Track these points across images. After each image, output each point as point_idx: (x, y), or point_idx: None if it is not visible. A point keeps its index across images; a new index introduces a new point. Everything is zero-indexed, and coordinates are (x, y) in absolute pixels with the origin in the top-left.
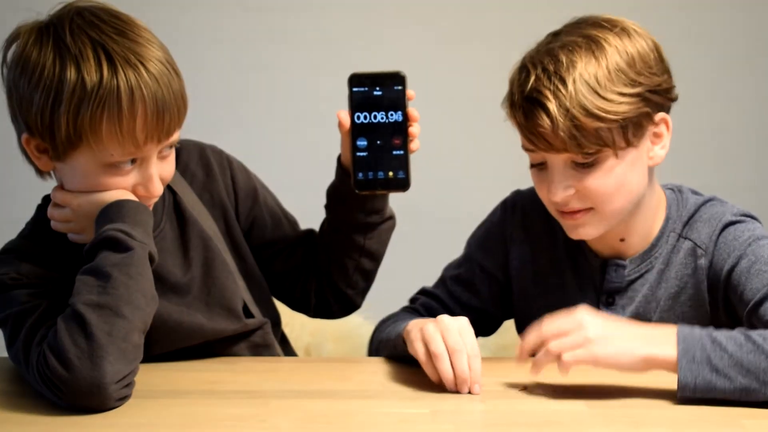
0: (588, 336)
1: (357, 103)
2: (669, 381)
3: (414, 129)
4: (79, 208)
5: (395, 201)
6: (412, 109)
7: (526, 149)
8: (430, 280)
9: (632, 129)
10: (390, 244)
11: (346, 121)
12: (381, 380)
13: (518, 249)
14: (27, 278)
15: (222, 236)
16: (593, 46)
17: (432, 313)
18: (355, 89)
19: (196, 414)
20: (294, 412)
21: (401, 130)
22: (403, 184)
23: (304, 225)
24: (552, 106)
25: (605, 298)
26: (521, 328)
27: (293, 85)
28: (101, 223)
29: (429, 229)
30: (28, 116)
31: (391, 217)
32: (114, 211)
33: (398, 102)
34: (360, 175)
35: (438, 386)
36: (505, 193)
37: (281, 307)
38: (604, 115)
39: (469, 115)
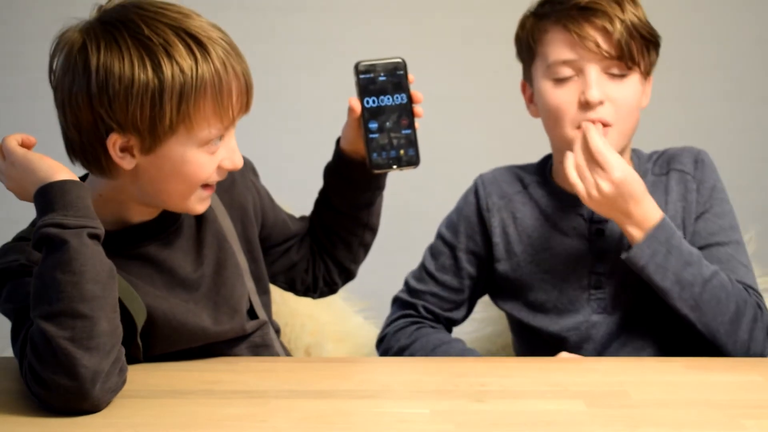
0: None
1: (365, 89)
2: (668, 381)
3: (418, 109)
4: (12, 168)
5: (395, 202)
6: (415, 91)
7: (561, 61)
8: None
9: (652, 59)
10: (391, 244)
11: (357, 107)
12: (381, 380)
13: (497, 215)
14: (36, 265)
15: (238, 237)
16: None
17: (435, 315)
18: (361, 76)
19: (196, 414)
20: (294, 412)
21: (407, 110)
22: (414, 161)
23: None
24: (611, 14)
25: (595, 229)
26: (505, 287)
27: (293, 84)
28: (37, 212)
29: (429, 229)
30: (123, 115)
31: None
32: (42, 199)
33: (402, 85)
34: (375, 155)
35: (438, 386)
36: None
37: (282, 308)
38: (644, 33)
39: (469, 115)
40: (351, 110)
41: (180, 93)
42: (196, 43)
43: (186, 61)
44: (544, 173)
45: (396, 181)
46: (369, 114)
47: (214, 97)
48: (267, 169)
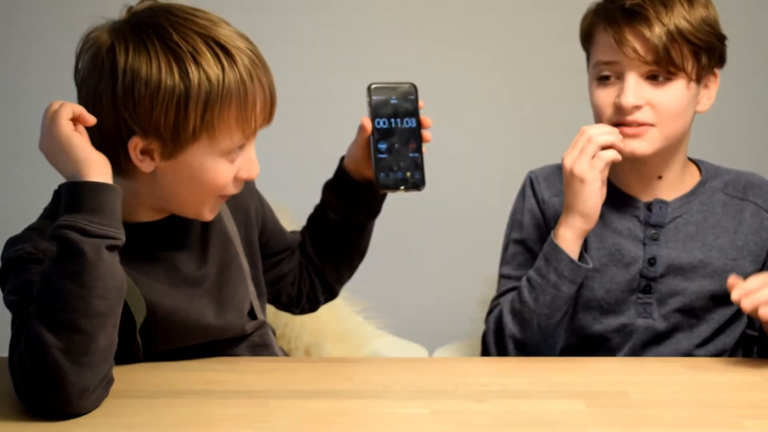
0: None
1: (376, 110)
2: (668, 381)
3: (426, 134)
4: (50, 138)
5: (394, 203)
6: (425, 117)
7: (603, 62)
8: (430, 280)
9: (703, 63)
10: (392, 244)
11: (369, 126)
12: (381, 380)
13: (551, 210)
14: (43, 254)
15: (240, 241)
16: None
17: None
18: (374, 97)
19: (196, 414)
20: (294, 412)
21: (416, 134)
22: (419, 184)
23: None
24: (653, 19)
25: (651, 233)
26: None
27: (294, 85)
28: (62, 205)
29: (429, 229)
30: (147, 120)
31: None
32: (70, 196)
33: (412, 110)
34: (382, 175)
35: (438, 386)
36: (506, 192)
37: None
38: (690, 37)
39: (470, 115)
40: (362, 129)
41: (205, 101)
42: (223, 52)
43: (213, 70)
44: None
45: None
46: (379, 134)
47: (238, 106)
48: (264, 169)
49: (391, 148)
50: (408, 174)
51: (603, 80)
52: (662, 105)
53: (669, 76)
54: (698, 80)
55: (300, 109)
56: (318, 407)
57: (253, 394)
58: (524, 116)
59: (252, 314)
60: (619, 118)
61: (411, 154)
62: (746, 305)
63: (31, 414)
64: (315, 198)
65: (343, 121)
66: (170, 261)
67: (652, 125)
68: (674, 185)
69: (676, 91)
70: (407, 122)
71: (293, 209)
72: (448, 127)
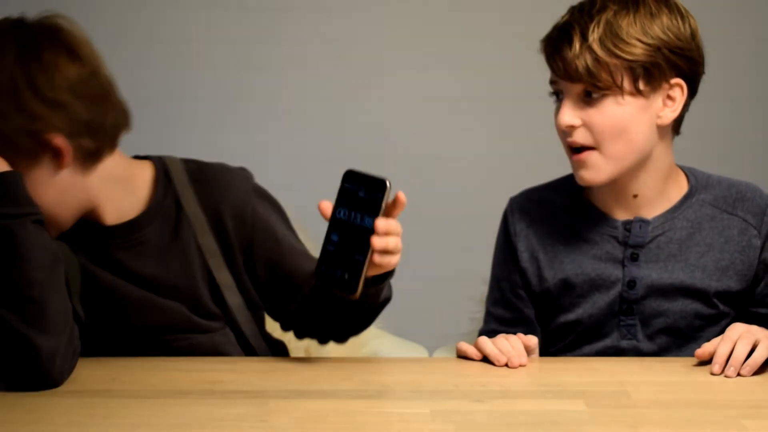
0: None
1: (342, 199)
2: (668, 381)
3: (375, 241)
4: None
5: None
6: (382, 219)
7: (550, 81)
8: (429, 280)
9: (643, 78)
10: None
11: (327, 213)
12: (381, 380)
13: (524, 241)
14: None
15: (220, 254)
16: (631, 3)
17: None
18: (346, 185)
19: (196, 414)
20: (294, 412)
21: (367, 238)
22: (351, 291)
23: (304, 226)
24: (575, 37)
25: (630, 253)
26: (544, 316)
27: (292, 85)
28: None
29: (429, 229)
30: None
31: (388, 298)
32: None
33: (375, 209)
34: (323, 267)
35: (438, 386)
36: (505, 192)
37: None
38: (617, 52)
39: (471, 115)
40: (321, 213)
41: None
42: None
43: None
44: (573, 190)
45: (396, 181)
46: (335, 225)
47: None
48: (264, 169)
49: (342, 243)
50: (346, 276)
51: (556, 98)
52: (596, 124)
53: (603, 93)
54: (641, 94)
55: (300, 108)
56: (318, 407)
57: (253, 394)
58: (523, 116)
59: (223, 306)
60: (563, 139)
61: (356, 256)
62: (731, 373)
63: (31, 414)
64: (315, 197)
65: (343, 121)
66: (127, 262)
67: (592, 148)
68: (654, 202)
69: (609, 109)
70: (365, 221)
71: (294, 209)
72: (447, 126)
